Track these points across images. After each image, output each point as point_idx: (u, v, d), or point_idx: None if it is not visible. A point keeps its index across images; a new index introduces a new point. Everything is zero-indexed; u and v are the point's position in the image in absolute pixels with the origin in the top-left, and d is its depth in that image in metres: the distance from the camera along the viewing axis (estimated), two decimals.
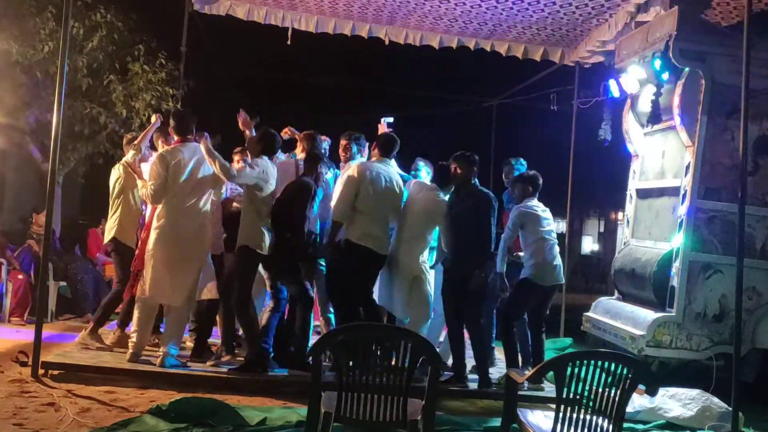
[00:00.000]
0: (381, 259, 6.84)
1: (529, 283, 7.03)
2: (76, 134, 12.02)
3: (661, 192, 8.53)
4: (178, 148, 6.74)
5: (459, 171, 6.89)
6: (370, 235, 6.77)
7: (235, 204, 7.22)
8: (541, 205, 7.16)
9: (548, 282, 7.07)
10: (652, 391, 4.41)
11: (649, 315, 7.66)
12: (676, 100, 7.74)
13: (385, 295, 7.04)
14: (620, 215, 12.31)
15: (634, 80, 8.50)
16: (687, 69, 7.69)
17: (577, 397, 4.15)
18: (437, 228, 6.98)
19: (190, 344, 7.41)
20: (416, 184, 7.21)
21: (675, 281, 7.57)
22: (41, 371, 6.49)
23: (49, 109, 8.50)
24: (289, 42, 10.13)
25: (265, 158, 6.76)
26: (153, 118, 7.59)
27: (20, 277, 9.60)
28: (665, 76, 7.84)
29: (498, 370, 7.52)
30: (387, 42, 10.33)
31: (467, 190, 6.85)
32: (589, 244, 31.27)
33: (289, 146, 7.66)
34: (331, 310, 7.19)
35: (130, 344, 6.84)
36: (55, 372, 6.56)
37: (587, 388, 4.15)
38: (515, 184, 7.33)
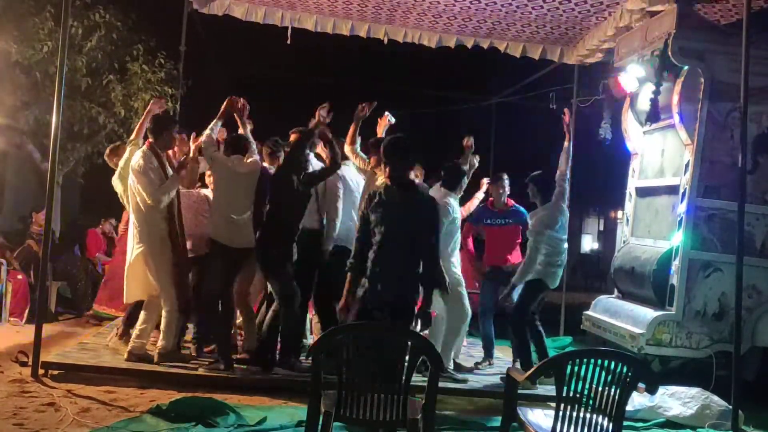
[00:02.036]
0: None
1: (542, 284, 7.16)
2: (76, 134, 12.02)
3: (660, 190, 8.52)
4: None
5: (387, 164, 5.12)
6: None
7: None
8: None
9: (554, 285, 7.25)
10: (651, 390, 4.41)
11: (648, 313, 7.66)
12: (676, 99, 7.74)
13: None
14: (620, 214, 12.30)
15: (633, 79, 8.50)
16: (686, 67, 7.70)
17: (577, 395, 4.16)
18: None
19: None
20: (435, 192, 7.21)
21: (675, 279, 7.57)
22: (41, 371, 6.49)
23: (49, 109, 8.50)
24: (288, 41, 10.13)
25: (234, 157, 6.91)
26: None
27: (20, 277, 9.60)
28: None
29: (499, 369, 7.56)
30: (386, 41, 10.33)
31: (406, 190, 5.13)
32: (588, 243, 31.29)
33: None
34: None
35: (130, 343, 6.86)
36: (55, 372, 6.56)
37: (587, 386, 4.15)
38: (538, 183, 7.30)
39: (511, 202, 8.26)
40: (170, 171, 6.81)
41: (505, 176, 8.27)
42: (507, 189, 8.23)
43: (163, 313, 6.79)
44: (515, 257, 8.09)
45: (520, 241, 8.17)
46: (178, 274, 6.81)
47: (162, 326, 6.79)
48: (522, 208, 8.13)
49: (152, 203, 6.64)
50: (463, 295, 7.10)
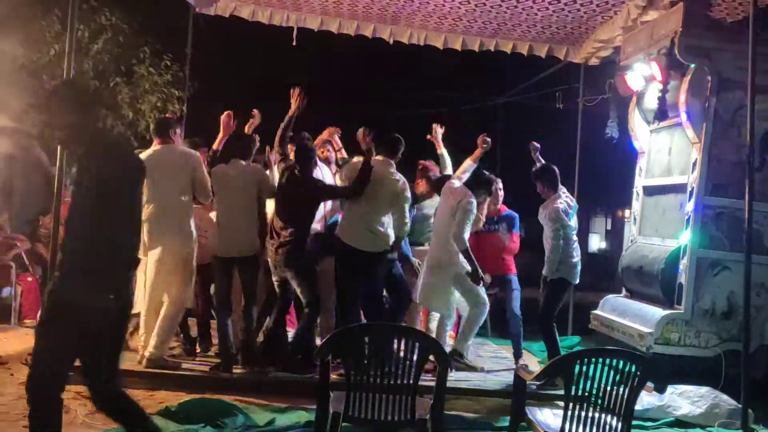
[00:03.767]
0: (359, 254, 6.81)
1: (564, 282, 7.13)
2: None
3: (667, 189, 8.50)
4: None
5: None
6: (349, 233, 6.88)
7: None
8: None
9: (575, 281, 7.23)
10: (660, 389, 4.41)
11: (657, 312, 7.64)
12: (682, 97, 7.72)
13: (422, 290, 7.19)
14: (627, 213, 12.29)
15: (640, 77, 8.49)
16: (693, 65, 7.68)
17: (586, 395, 4.15)
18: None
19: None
20: (448, 189, 7.25)
21: (683, 278, 7.55)
22: None
23: None
24: (294, 43, 10.14)
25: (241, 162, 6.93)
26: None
27: (29, 279, 9.63)
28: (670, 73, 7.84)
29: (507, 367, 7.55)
30: (391, 42, 10.34)
31: (94, 151, 3.84)
32: (596, 242, 31.23)
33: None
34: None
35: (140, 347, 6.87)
36: None
37: (596, 386, 4.15)
38: (543, 175, 7.25)
39: (504, 208, 8.10)
40: None
41: (499, 182, 7.99)
42: (501, 194, 8.02)
43: (166, 316, 6.72)
44: (503, 267, 7.89)
45: (509, 248, 7.95)
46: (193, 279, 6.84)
47: (159, 325, 6.68)
48: (514, 213, 8.03)
49: (205, 199, 6.75)
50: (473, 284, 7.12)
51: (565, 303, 10.09)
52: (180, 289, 6.70)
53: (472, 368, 7.10)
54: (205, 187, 6.75)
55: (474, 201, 6.99)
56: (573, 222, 7.18)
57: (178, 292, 6.71)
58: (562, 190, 7.26)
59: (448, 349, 7.41)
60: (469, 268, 6.97)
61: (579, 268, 7.19)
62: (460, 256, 6.96)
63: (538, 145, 7.73)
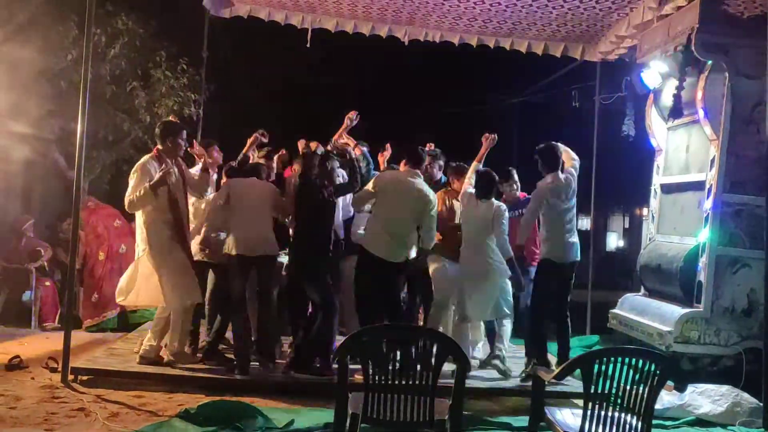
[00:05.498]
0: (383, 264, 6.85)
1: (545, 263, 6.98)
2: (101, 141, 12.12)
3: (685, 186, 8.45)
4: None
5: None
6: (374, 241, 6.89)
7: None
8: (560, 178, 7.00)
9: (564, 260, 6.94)
10: (681, 388, 4.38)
11: (676, 311, 7.60)
12: (700, 94, 7.68)
13: (475, 307, 7.14)
14: (645, 211, 12.21)
15: (657, 74, 8.44)
16: (710, 62, 7.63)
17: (605, 394, 4.13)
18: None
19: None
20: (469, 197, 7.22)
21: (702, 276, 7.51)
22: (71, 377, 6.57)
23: (74, 117, 8.62)
24: (308, 45, 10.17)
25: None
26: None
27: (47, 284, 9.71)
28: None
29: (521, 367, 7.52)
30: (406, 43, 10.34)
31: None
32: (614, 241, 31.03)
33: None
34: None
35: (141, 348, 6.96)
36: (85, 377, 6.64)
37: (615, 385, 4.13)
38: (543, 153, 7.09)
39: (524, 195, 8.18)
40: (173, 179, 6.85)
41: (514, 171, 8.37)
42: (517, 183, 8.34)
43: (171, 315, 6.84)
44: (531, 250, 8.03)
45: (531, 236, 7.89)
46: (185, 275, 6.84)
47: (170, 327, 6.86)
48: None
49: (126, 204, 6.73)
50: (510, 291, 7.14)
51: (583, 302, 10.04)
52: (164, 289, 6.78)
53: (505, 373, 7.02)
54: (129, 191, 6.66)
55: (503, 205, 7.00)
56: (571, 202, 7.01)
57: (163, 290, 6.78)
58: (561, 171, 7.02)
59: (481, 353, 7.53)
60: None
61: (571, 248, 6.90)
62: (502, 263, 6.95)
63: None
